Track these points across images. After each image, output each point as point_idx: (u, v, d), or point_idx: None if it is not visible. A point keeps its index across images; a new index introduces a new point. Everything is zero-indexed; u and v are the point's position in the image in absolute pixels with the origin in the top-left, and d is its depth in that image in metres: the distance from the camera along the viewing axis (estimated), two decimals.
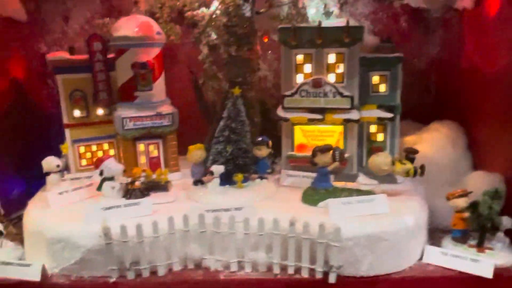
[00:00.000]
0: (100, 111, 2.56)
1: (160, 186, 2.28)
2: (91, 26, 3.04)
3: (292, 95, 2.34)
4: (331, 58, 2.33)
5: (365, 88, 2.39)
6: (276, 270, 1.95)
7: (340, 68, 2.34)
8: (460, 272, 1.93)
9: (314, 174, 2.26)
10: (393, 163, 2.11)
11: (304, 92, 2.32)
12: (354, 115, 2.30)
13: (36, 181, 2.63)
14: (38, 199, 2.32)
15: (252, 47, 2.66)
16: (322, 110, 2.33)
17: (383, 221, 1.93)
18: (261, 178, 2.32)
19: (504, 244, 2.04)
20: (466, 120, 2.71)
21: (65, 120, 2.52)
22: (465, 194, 2.08)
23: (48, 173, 2.33)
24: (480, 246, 2.02)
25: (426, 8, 2.92)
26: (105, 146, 2.63)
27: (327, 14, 2.70)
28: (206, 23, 2.51)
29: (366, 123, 2.42)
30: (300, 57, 2.37)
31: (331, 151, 2.13)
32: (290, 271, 1.93)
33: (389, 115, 2.33)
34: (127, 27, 2.39)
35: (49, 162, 2.28)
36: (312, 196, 2.14)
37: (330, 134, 2.41)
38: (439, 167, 2.49)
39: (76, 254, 1.93)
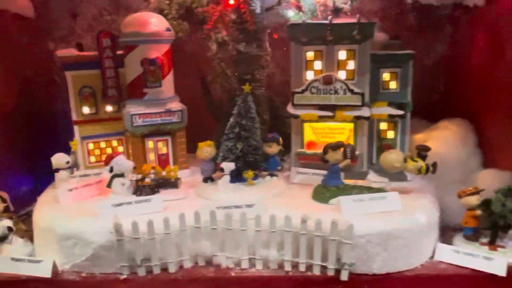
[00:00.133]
0: (109, 108, 2.56)
1: (170, 183, 2.27)
2: (99, 22, 3.04)
3: (302, 92, 2.33)
4: (342, 54, 2.32)
5: (376, 85, 2.38)
6: (288, 267, 1.94)
7: (351, 65, 2.32)
8: (473, 270, 1.92)
9: (324, 172, 2.26)
10: (405, 160, 2.09)
11: (315, 89, 2.31)
12: (364, 112, 2.29)
13: (43, 177, 2.63)
14: (47, 195, 2.32)
15: (261, 44, 2.65)
16: (332, 107, 2.32)
17: (395, 218, 1.92)
18: (271, 175, 2.31)
19: None
20: (475, 118, 2.70)
21: (74, 117, 2.52)
22: (477, 192, 2.06)
23: (57, 170, 2.32)
24: (492, 244, 2.01)
25: (435, 5, 2.90)
26: (114, 143, 2.63)
27: (336, 11, 2.68)
28: (215, 20, 2.49)
29: (376, 121, 2.41)
30: (310, 54, 2.36)
31: (342, 148, 2.12)
32: (302, 268, 1.93)
33: (400, 112, 2.32)
34: (136, 23, 2.38)
35: (59, 159, 2.28)
36: (323, 194, 2.13)
37: (340, 131, 2.40)
38: (448, 164, 2.48)
39: (87, 251, 1.93)
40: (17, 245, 2.13)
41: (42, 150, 2.65)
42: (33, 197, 2.61)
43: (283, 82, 3.07)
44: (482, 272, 1.90)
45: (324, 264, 1.89)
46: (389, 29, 2.93)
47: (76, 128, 2.53)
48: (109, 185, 2.21)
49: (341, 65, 2.33)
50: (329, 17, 2.30)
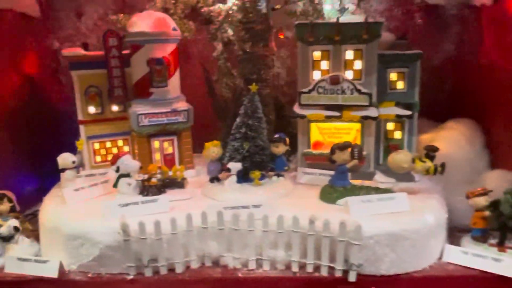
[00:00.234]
0: (115, 108, 2.56)
1: (176, 183, 2.27)
2: (104, 22, 3.04)
3: (309, 92, 2.32)
4: (349, 54, 2.31)
5: (383, 85, 2.37)
6: (295, 268, 1.93)
7: (358, 65, 2.31)
8: (482, 272, 1.90)
9: (330, 172, 2.25)
10: (413, 161, 2.08)
11: (322, 89, 2.30)
12: (372, 112, 2.28)
13: (49, 177, 2.63)
14: (53, 195, 2.31)
15: (267, 44, 2.64)
16: (339, 107, 2.31)
17: (403, 219, 1.91)
18: (278, 175, 2.30)
19: None
20: (483, 118, 2.69)
21: (80, 117, 2.52)
22: (485, 193, 2.05)
23: (63, 170, 2.31)
24: (501, 245, 1.99)
25: (442, 4, 2.89)
26: (120, 142, 2.62)
27: (342, 10, 2.67)
28: (222, 19, 2.48)
29: (383, 121, 2.40)
30: (317, 54, 2.35)
31: (349, 149, 2.11)
32: (309, 269, 1.92)
33: (408, 112, 2.31)
34: (143, 23, 2.37)
35: (65, 158, 2.27)
36: (330, 194, 2.12)
37: (347, 131, 2.39)
38: (456, 165, 2.45)
39: (93, 251, 1.92)
40: (23, 245, 2.12)
41: (47, 150, 2.65)
42: (38, 197, 2.60)
43: (289, 82, 3.06)
44: (491, 273, 1.88)
45: (332, 265, 1.88)
46: (395, 29, 2.94)
47: (82, 128, 2.52)
48: (115, 185, 2.20)
49: (348, 65, 2.32)
50: (337, 17, 2.29)
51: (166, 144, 2.51)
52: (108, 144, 2.60)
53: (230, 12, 2.50)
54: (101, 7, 3.07)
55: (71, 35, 3.09)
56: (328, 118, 2.33)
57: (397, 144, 2.41)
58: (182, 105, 2.50)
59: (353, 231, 1.82)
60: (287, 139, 2.32)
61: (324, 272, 1.90)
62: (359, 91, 2.26)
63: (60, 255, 1.98)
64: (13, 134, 2.65)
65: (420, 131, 2.61)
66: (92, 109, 2.52)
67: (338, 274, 1.88)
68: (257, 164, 2.23)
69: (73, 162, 2.29)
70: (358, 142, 2.36)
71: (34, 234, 2.22)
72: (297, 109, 2.38)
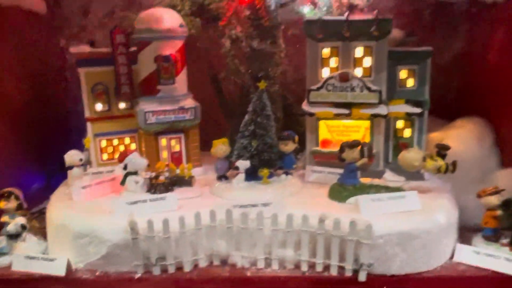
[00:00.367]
0: (122, 105, 2.54)
1: (184, 181, 2.25)
2: (111, 19, 3.02)
3: (318, 89, 2.30)
4: (359, 51, 2.28)
5: (392, 82, 2.34)
6: (304, 267, 1.91)
7: (368, 62, 2.29)
8: (494, 272, 1.88)
9: (339, 170, 2.23)
10: (424, 159, 2.05)
11: (331, 86, 2.28)
12: (382, 110, 2.25)
13: (55, 175, 2.62)
14: (60, 193, 2.30)
15: (275, 41, 2.62)
16: (348, 105, 2.28)
17: (414, 218, 1.89)
18: (286, 173, 2.28)
19: None
20: (493, 116, 2.65)
21: (87, 114, 2.50)
22: (497, 192, 2.03)
23: (70, 167, 2.30)
24: None
25: (452, 1, 2.85)
26: (126, 140, 2.60)
27: (351, 7, 2.64)
28: (230, 16, 2.46)
29: (392, 119, 2.37)
30: (326, 51, 2.32)
31: (359, 147, 2.08)
32: (319, 268, 1.90)
33: (418, 110, 2.28)
34: (150, 19, 2.36)
35: (72, 156, 2.25)
36: (340, 193, 2.09)
37: (356, 129, 2.37)
38: (465, 164, 2.42)
39: (101, 249, 1.91)
40: (30, 243, 2.12)
41: (53, 148, 2.64)
42: (44, 194, 2.60)
43: (296, 80, 3.04)
44: (504, 274, 1.86)
45: (341, 264, 1.86)
46: (404, 26, 2.90)
47: (89, 125, 2.51)
48: (122, 183, 2.19)
49: (357, 62, 2.30)
50: (346, 13, 2.26)
51: (173, 142, 2.49)
52: (115, 142, 2.58)
53: (238, 8, 2.48)
54: (107, 4, 3.05)
55: (78, 32, 3.08)
56: (337, 116, 2.30)
57: (407, 143, 2.38)
58: (190, 102, 2.49)
59: (364, 230, 1.79)
60: (296, 137, 2.29)
61: (333, 272, 1.88)
62: (368, 88, 2.23)
63: (68, 253, 1.97)
64: (19, 132, 2.64)
65: (429, 130, 2.58)
66: (99, 107, 2.50)
67: (348, 273, 1.86)
68: (266, 162, 2.20)
69: (80, 160, 2.28)
70: (367, 140, 2.33)
71: (41, 232, 2.21)
72: (305, 106, 2.36)
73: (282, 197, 2.11)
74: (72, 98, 3.12)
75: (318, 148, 2.40)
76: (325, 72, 2.34)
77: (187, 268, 1.93)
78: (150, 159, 2.33)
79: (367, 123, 2.33)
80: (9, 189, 2.18)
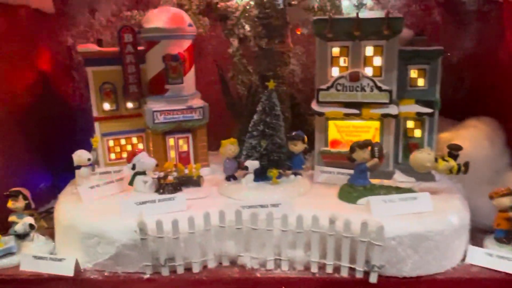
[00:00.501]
0: (129, 105, 2.53)
1: (193, 181, 2.23)
2: (118, 18, 3.02)
3: (327, 89, 2.28)
4: (369, 51, 2.26)
5: (403, 82, 2.32)
6: (314, 269, 1.89)
7: (378, 61, 2.26)
8: (507, 274, 1.85)
9: (348, 171, 2.20)
10: (435, 160, 2.03)
11: (340, 86, 2.25)
12: (392, 110, 2.23)
13: (62, 174, 2.61)
14: (68, 193, 2.29)
15: (283, 40, 2.60)
16: (358, 105, 2.26)
17: (426, 220, 1.86)
18: (295, 174, 2.26)
19: None
20: (504, 116, 2.62)
21: (95, 113, 2.49)
22: (509, 193, 2.00)
23: (78, 167, 2.28)
24: None
25: (462, 0, 2.83)
26: (134, 140, 2.59)
27: (360, 5, 2.62)
28: (239, 15, 2.44)
29: (403, 119, 2.35)
30: (336, 50, 2.30)
31: (370, 147, 2.06)
32: (329, 270, 1.88)
33: (429, 110, 2.26)
34: (158, 18, 2.34)
35: (80, 156, 2.24)
36: (350, 193, 2.07)
37: (366, 129, 2.34)
38: (477, 164, 2.39)
39: (110, 249, 1.90)
40: (38, 243, 2.11)
41: (60, 147, 2.64)
42: (51, 194, 2.59)
43: (304, 79, 3.02)
44: None
45: (352, 266, 1.84)
46: (413, 25, 2.88)
47: (96, 125, 2.49)
48: (131, 183, 2.18)
49: (367, 61, 2.27)
50: (356, 12, 2.24)
51: (181, 142, 2.48)
52: (123, 142, 2.57)
53: (247, 7, 2.46)
54: (114, 3, 3.05)
55: (85, 31, 3.07)
56: (347, 116, 2.28)
57: (417, 143, 2.35)
58: (198, 102, 2.47)
59: (375, 232, 1.77)
60: (305, 137, 2.27)
61: (344, 273, 1.86)
62: (379, 88, 2.21)
63: (76, 253, 1.96)
64: (26, 131, 2.64)
65: (439, 130, 2.55)
66: (107, 106, 2.49)
67: (359, 275, 1.84)
68: (275, 162, 2.19)
69: (89, 160, 2.26)
70: (377, 140, 2.30)
71: (49, 232, 2.21)
72: (314, 106, 2.34)
73: (291, 197, 2.09)
74: (79, 97, 3.13)
75: (327, 148, 2.37)
76: (335, 72, 2.32)
77: (196, 269, 1.91)
78: (158, 159, 2.32)
79: (377, 123, 2.31)
80: (17, 188, 2.17)
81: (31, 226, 2.08)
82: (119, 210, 1.97)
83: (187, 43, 2.42)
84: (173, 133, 2.44)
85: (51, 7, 2.85)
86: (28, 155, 2.67)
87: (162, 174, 2.20)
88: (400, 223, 1.83)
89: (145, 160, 2.13)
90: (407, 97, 2.33)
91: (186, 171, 2.28)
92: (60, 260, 1.95)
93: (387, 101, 2.21)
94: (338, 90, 2.26)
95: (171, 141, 2.46)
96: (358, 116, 2.26)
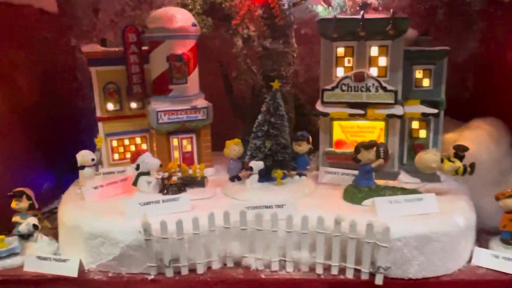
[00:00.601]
0: (133, 105, 2.52)
1: (197, 182, 2.22)
2: (122, 18, 3.01)
3: (332, 89, 2.27)
4: (374, 51, 2.25)
5: (408, 82, 2.31)
6: (319, 270, 1.88)
7: (383, 62, 2.25)
8: None
9: (353, 172, 2.19)
10: (441, 160, 2.01)
11: (345, 86, 2.24)
12: (397, 110, 2.21)
13: (65, 175, 2.60)
14: (72, 193, 2.29)
15: (287, 40, 2.59)
16: (363, 105, 2.25)
17: (433, 221, 1.85)
18: (300, 174, 2.25)
19: None
20: (509, 117, 2.60)
21: (99, 113, 2.48)
22: None
23: (82, 167, 2.28)
24: None
25: (467, 0, 2.81)
26: (137, 140, 2.58)
27: (364, 6, 2.61)
28: (243, 15, 2.43)
29: (408, 119, 2.33)
30: (341, 50, 2.29)
31: (375, 148, 2.05)
32: (334, 271, 1.87)
33: (434, 110, 2.25)
34: (162, 18, 2.33)
35: (84, 156, 2.23)
36: (355, 194, 2.06)
37: (370, 130, 2.33)
38: (482, 165, 2.38)
39: (114, 250, 1.89)
40: (42, 243, 2.10)
41: (63, 147, 2.63)
42: (55, 194, 2.59)
43: (308, 80, 3.01)
44: None
45: (358, 267, 1.83)
46: (417, 25, 2.86)
47: (100, 125, 2.49)
48: (135, 183, 2.17)
49: (372, 61, 2.26)
50: (361, 12, 2.22)
51: (185, 142, 2.47)
52: (126, 142, 2.56)
53: (252, 7, 2.45)
54: (118, 3, 3.04)
55: (88, 31, 3.07)
56: (352, 116, 2.27)
57: (422, 144, 2.35)
58: (202, 102, 2.47)
59: (381, 233, 1.76)
60: (310, 138, 2.26)
61: (349, 275, 1.85)
62: (384, 88, 2.20)
63: (80, 254, 1.95)
64: (30, 131, 2.63)
65: (443, 131, 2.54)
66: (110, 106, 2.49)
67: (364, 277, 1.83)
68: (279, 163, 2.18)
69: (92, 160, 2.25)
70: (382, 141, 2.29)
71: (52, 232, 2.20)
72: (319, 106, 2.33)
73: (296, 198, 2.08)
74: (82, 97, 3.12)
75: (332, 149, 2.36)
76: (340, 72, 2.31)
77: (200, 270, 1.90)
78: (162, 159, 2.30)
79: (381, 124, 2.30)
80: (21, 189, 2.16)
81: (34, 226, 2.07)
82: (123, 210, 1.96)
83: (191, 43, 2.41)
84: (177, 133, 2.44)
85: (55, 7, 2.85)
86: (32, 155, 2.66)
87: (166, 174, 2.19)
88: (405, 224, 1.82)
89: (149, 161, 2.13)
90: (412, 97, 2.32)
91: (190, 171, 2.27)
92: (64, 260, 1.94)
93: (392, 101, 2.20)
94: (343, 91, 2.25)
95: (175, 142, 2.45)
96: (363, 116, 2.25)
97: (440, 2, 2.95)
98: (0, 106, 2.39)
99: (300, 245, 1.89)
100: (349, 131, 2.36)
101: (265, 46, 2.57)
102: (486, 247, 2.01)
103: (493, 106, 2.74)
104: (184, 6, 2.58)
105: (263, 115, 2.18)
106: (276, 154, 2.16)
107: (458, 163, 2.03)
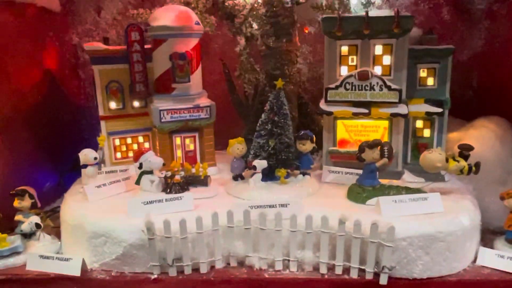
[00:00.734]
0: (136, 103, 2.51)
1: (200, 181, 2.21)
2: (124, 17, 3.00)
3: (336, 88, 2.25)
4: (378, 49, 2.23)
5: (412, 81, 2.29)
6: (323, 270, 1.87)
7: (387, 60, 2.24)
8: None
9: (357, 171, 2.18)
10: (446, 160, 2.00)
11: (349, 85, 2.23)
12: (402, 109, 2.20)
13: (67, 173, 2.59)
14: (74, 192, 2.28)
15: (291, 39, 2.58)
16: (367, 104, 2.23)
17: (438, 220, 1.84)
18: (303, 174, 2.24)
19: None
20: None
21: (101, 112, 2.47)
22: None
23: (84, 166, 2.27)
24: None
25: None
26: (140, 139, 2.57)
27: (368, 4, 2.59)
28: (247, 13, 2.42)
29: (412, 118, 2.32)
30: (345, 49, 2.28)
31: (379, 147, 2.03)
32: (338, 271, 1.86)
33: (438, 109, 2.23)
34: (165, 16, 2.32)
35: (87, 155, 2.22)
36: (359, 194, 2.05)
37: (374, 129, 2.31)
38: (487, 165, 2.36)
39: (117, 249, 1.88)
40: (44, 242, 2.10)
41: (66, 146, 2.62)
42: (57, 193, 2.58)
43: (311, 78, 2.99)
44: None
45: (362, 267, 1.82)
46: (421, 24, 2.85)
47: (103, 124, 2.48)
48: (137, 182, 2.16)
49: (377, 60, 2.25)
50: (365, 10, 2.21)
51: (187, 141, 2.46)
52: (129, 140, 2.56)
53: (255, 5, 2.44)
54: (121, 1, 3.03)
55: (91, 29, 3.05)
56: (356, 115, 2.25)
57: (426, 143, 2.33)
58: (205, 101, 2.45)
59: (386, 233, 1.75)
60: (314, 137, 2.25)
61: (353, 275, 1.84)
62: (388, 87, 2.18)
63: (82, 253, 1.95)
64: (32, 130, 2.62)
65: (448, 130, 2.53)
66: (113, 105, 2.48)
67: (369, 276, 1.82)
68: (283, 162, 2.17)
69: (95, 159, 2.24)
70: (386, 140, 2.28)
71: (55, 231, 2.20)
72: (323, 105, 2.31)
73: (299, 197, 2.06)
74: (85, 96, 3.11)
75: (336, 148, 2.35)
76: (344, 71, 2.30)
77: (203, 269, 1.90)
78: (164, 158, 2.29)
79: (385, 123, 2.28)
80: (23, 187, 2.16)
81: (37, 225, 2.07)
82: (126, 209, 1.95)
83: (194, 42, 2.40)
84: (179, 132, 2.43)
85: (57, 5, 2.84)
86: (34, 154, 2.66)
87: (169, 173, 2.18)
88: (410, 224, 1.81)
89: (152, 159, 2.11)
90: (416, 96, 2.31)
91: (193, 170, 2.26)
92: (66, 259, 1.94)
93: (396, 100, 2.19)
94: (346, 89, 2.24)
95: (177, 140, 2.44)
96: (367, 115, 2.23)
97: (444, 1, 2.93)
98: (2, 105, 2.39)
99: (304, 244, 1.88)
100: (353, 130, 2.35)
101: (268, 45, 2.56)
102: (491, 247, 2.00)
103: (498, 105, 2.73)
104: (187, 4, 2.57)
105: (267, 113, 2.17)
106: (280, 153, 2.15)
107: (463, 163, 2.02)
